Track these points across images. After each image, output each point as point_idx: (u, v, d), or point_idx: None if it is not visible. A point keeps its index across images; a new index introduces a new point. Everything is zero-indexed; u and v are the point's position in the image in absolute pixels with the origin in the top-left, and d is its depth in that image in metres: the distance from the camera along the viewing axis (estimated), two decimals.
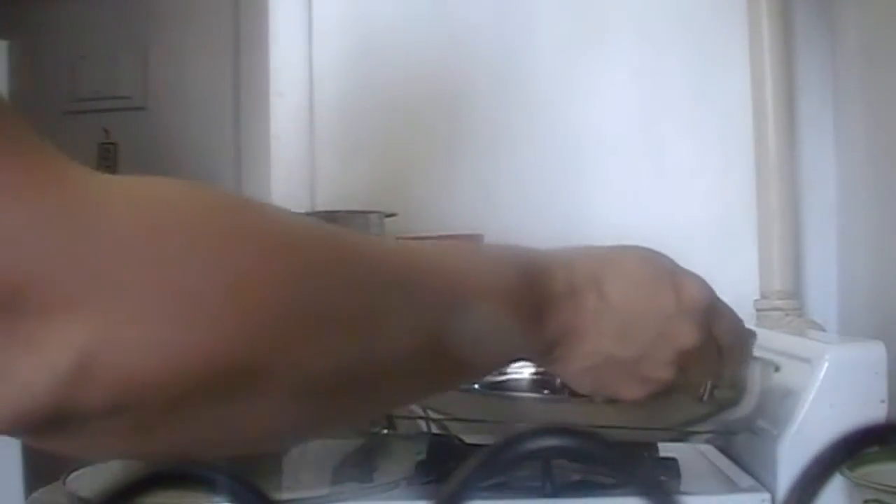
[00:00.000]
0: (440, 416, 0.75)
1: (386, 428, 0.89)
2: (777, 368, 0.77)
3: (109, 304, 0.33)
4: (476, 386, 0.71)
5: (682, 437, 0.74)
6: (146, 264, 0.34)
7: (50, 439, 0.34)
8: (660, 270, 0.58)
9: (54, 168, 0.35)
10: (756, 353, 0.73)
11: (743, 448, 0.87)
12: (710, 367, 0.61)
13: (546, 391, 0.79)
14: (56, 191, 0.34)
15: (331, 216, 1.13)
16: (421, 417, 0.75)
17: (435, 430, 0.77)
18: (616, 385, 0.57)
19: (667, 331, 0.56)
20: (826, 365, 0.79)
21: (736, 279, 1.21)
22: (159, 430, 0.35)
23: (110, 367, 0.33)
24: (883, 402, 0.79)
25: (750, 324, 1.14)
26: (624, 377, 0.57)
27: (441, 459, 0.83)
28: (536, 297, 0.50)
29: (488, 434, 0.73)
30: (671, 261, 0.59)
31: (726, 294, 1.30)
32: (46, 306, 0.32)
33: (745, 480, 0.82)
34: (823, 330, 1.12)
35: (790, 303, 1.13)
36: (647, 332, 0.56)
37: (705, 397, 0.67)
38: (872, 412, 0.78)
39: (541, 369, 0.75)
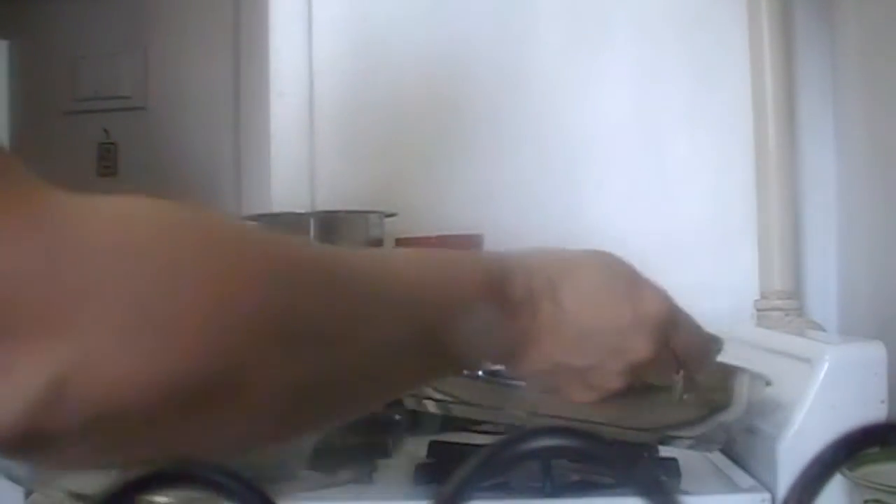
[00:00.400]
0: (445, 398, 0.75)
1: (399, 414, 0.90)
2: (768, 383, 0.77)
3: (84, 327, 0.33)
4: (480, 373, 0.72)
5: (664, 441, 0.74)
6: (121, 288, 0.34)
7: (24, 456, 0.35)
8: (619, 281, 0.58)
9: (29, 192, 0.34)
10: (753, 365, 0.73)
11: (743, 448, 0.87)
12: (664, 377, 0.62)
13: None
14: (30, 215, 0.33)
15: (331, 216, 1.13)
16: (427, 398, 0.75)
17: (436, 409, 0.77)
18: (566, 389, 0.58)
19: (619, 344, 0.57)
20: (826, 365, 0.79)
21: (736, 279, 1.21)
22: (134, 445, 0.36)
23: (84, 390, 0.33)
24: (883, 402, 0.79)
25: (749, 324, 1.14)
26: (573, 382, 0.57)
27: (441, 460, 0.83)
28: (498, 304, 0.52)
29: (490, 418, 0.73)
30: (632, 270, 0.60)
31: (726, 294, 1.31)
32: (20, 330, 0.32)
33: (745, 480, 0.82)
34: (823, 330, 1.12)
35: (790, 303, 1.13)
36: (600, 344, 0.56)
37: (677, 400, 0.68)
38: (872, 412, 0.78)
39: None
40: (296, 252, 0.42)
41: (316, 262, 0.43)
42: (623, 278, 0.58)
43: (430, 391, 0.74)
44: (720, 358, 0.71)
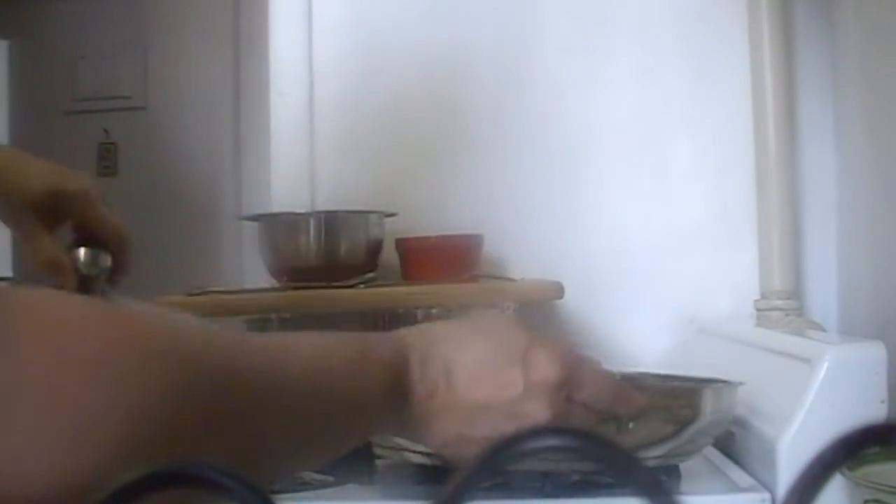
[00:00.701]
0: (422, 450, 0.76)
1: None
2: (740, 383, 0.80)
3: (6, 426, 0.34)
4: None
5: None
6: (46, 392, 0.36)
7: None
8: (509, 350, 0.60)
9: None
10: (753, 365, 0.73)
11: (743, 448, 0.87)
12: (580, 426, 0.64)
13: None
14: None
15: (331, 216, 1.13)
16: (403, 449, 0.76)
17: (422, 461, 0.78)
18: (470, 455, 0.59)
19: (515, 412, 0.59)
20: (826, 365, 0.79)
21: (736, 279, 1.21)
22: None
23: (1, 488, 0.34)
24: (883, 402, 0.79)
25: (749, 324, 1.14)
26: (476, 450, 0.59)
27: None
28: (395, 390, 0.56)
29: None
30: (525, 336, 0.62)
31: (726, 294, 1.31)
32: None
33: (745, 480, 0.82)
34: (823, 330, 1.12)
35: (790, 303, 1.13)
36: (494, 416, 0.59)
37: (623, 429, 0.70)
38: (872, 412, 0.78)
39: None
40: (210, 355, 0.45)
41: (230, 357, 0.46)
42: (514, 346, 0.60)
43: (403, 443, 0.75)
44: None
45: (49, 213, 0.81)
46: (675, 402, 0.77)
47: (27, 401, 0.35)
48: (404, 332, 0.59)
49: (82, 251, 0.81)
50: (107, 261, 0.82)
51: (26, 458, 0.35)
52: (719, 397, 0.78)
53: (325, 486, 0.85)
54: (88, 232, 0.83)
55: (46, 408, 0.35)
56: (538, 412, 0.59)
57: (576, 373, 0.61)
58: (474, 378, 0.58)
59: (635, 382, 0.70)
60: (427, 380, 0.57)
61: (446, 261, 1.11)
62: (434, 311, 1.00)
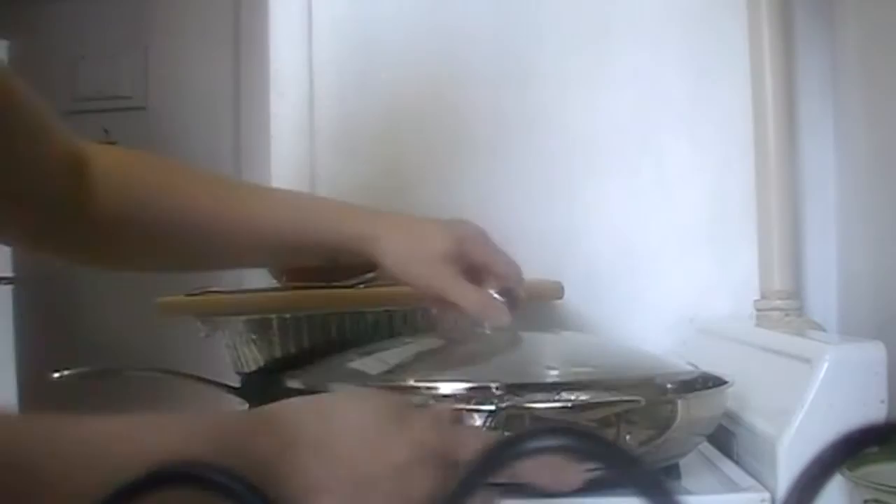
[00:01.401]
0: None
1: None
2: (731, 383, 0.80)
3: None
4: None
5: None
6: None
7: None
8: (387, 418, 0.55)
9: None
10: (753, 365, 0.72)
11: (742, 447, 0.88)
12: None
13: None
14: None
15: None
16: None
17: None
18: None
19: (403, 483, 0.53)
20: (826, 365, 0.79)
21: (736, 279, 1.21)
22: None
23: None
24: (883, 402, 0.79)
25: (749, 324, 1.14)
26: None
27: None
28: (243, 464, 0.48)
29: None
30: (397, 402, 0.57)
31: (726, 294, 1.31)
32: None
33: (745, 480, 0.82)
34: (823, 330, 1.12)
35: (790, 303, 1.13)
36: (382, 488, 0.53)
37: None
38: (872, 412, 0.78)
39: None
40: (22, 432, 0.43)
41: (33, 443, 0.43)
42: (389, 414, 0.56)
43: None
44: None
45: (454, 262, 0.83)
46: (659, 406, 0.76)
47: None
48: (255, 410, 0.54)
49: (495, 289, 0.83)
50: (518, 291, 0.84)
51: None
52: (689, 406, 0.78)
53: None
54: (484, 269, 0.85)
55: None
56: (425, 481, 0.53)
57: (457, 431, 0.59)
58: (354, 449, 0.53)
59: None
60: (287, 456, 0.51)
61: None
62: (434, 310, 1.00)
